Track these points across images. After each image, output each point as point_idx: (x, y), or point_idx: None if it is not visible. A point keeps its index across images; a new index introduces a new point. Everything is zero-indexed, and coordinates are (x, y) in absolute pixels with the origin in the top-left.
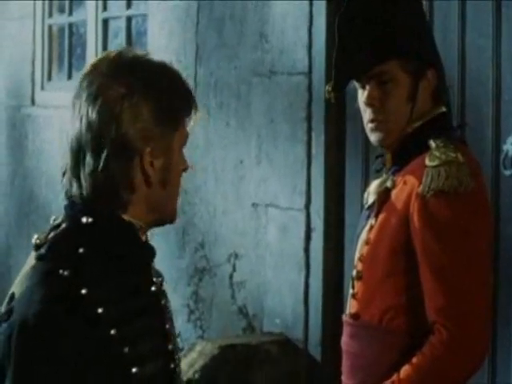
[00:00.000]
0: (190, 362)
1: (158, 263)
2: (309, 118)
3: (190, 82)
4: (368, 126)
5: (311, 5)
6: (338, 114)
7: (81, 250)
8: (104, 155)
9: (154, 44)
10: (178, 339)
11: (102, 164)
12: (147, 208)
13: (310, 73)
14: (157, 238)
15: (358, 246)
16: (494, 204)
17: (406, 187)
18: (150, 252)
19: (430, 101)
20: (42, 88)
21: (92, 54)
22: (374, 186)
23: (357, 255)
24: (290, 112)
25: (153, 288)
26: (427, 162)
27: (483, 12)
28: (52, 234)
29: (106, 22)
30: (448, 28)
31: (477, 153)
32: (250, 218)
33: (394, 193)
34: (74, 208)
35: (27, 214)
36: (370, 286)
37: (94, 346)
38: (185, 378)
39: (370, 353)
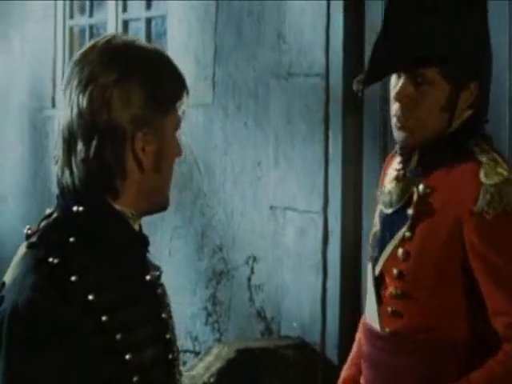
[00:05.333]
0: (206, 366)
1: (177, 266)
2: (326, 119)
3: (209, 83)
4: (393, 120)
5: (329, 5)
6: (356, 114)
7: (71, 239)
8: (95, 142)
9: (173, 44)
10: (195, 342)
11: (93, 151)
12: (139, 194)
13: (327, 74)
14: (176, 240)
15: (386, 255)
16: None
17: (452, 201)
18: (143, 241)
19: (467, 111)
20: None
21: None
22: (394, 186)
23: (392, 269)
24: (307, 113)
25: (147, 277)
26: (483, 179)
27: (500, 11)
28: (43, 224)
29: (126, 23)
30: None
31: None
32: (268, 220)
33: (433, 202)
34: (65, 197)
35: None
36: (417, 304)
37: (85, 332)
38: (200, 382)
39: (402, 364)
